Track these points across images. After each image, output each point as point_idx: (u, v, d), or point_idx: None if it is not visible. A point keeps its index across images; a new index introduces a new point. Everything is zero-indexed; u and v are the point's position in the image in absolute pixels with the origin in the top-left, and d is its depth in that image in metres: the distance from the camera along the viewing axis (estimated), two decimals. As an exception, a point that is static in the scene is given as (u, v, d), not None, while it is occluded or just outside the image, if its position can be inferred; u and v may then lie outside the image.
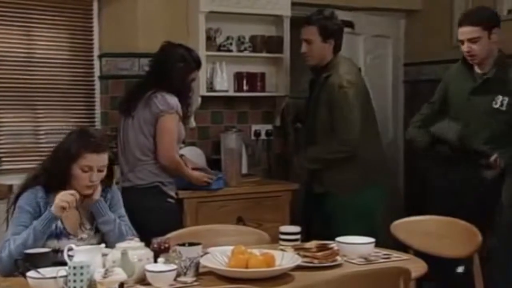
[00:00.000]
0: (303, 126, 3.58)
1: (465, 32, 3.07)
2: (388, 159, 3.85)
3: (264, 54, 3.96)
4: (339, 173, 3.22)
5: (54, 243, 2.20)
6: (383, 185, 3.36)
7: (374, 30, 4.50)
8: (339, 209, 3.23)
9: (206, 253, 2.18)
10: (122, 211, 2.44)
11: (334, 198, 3.26)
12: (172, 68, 3.13)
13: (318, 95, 3.27)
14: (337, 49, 3.33)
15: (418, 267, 2.18)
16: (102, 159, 2.29)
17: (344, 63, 3.30)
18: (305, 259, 2.15)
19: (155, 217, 2.95)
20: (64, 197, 2.18)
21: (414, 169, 4.62)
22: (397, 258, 2.32)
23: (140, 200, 3.00)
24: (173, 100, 3.08)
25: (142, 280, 1.99)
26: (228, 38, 3.89)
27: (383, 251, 2.38)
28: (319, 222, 3.34)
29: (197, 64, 3.25)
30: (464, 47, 3.10)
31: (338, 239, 2.35)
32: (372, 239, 2.35)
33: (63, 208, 2.17)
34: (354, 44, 4.29)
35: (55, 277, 1.85)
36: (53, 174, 2.29)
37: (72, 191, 2.22)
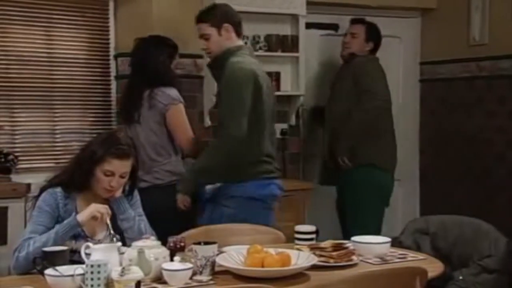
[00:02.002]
0: None
1: None
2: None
3: (279, 53, 3.96)
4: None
5: (72, 244, 2.22)
6: None
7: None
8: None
9: (222, 252, 2.19)
10: (141, 210, 2.46)
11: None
12: (155, 61, 3.14)
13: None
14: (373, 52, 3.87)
15: (434, 267, 2.17)
16: (125, 165, 2.30)
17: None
18: (321, 259, 2.14)
19: (173, 215, 2.95)
20: (99, 208, 2.20)
21: (430, 169, 4.62)
22: (413, 258, 2.31)
23: (160, 199, 2.99)
24: (173, 92, 3.10)
25: (159, 279, 2.00)
26: (243, 37, 3.88)
27: (399, 251, 2.37)
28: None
29: (175, 49, 3.26)
30: None
31: (354, 238, 2.34)
32: (388, 239, 2.34)
33: (95, 218, 2.18)
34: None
35: (72, 275, 1.87)
36: (76, 174, 2.30)
37: (106, 206, 2.24)
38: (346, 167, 3.64)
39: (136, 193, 2.47)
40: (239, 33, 2.91)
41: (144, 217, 2.43)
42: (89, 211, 2.19)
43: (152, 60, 3.13)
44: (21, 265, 2.12)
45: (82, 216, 2.19)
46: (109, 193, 2.31)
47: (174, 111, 3.08)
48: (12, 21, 3.49)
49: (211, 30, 2.86)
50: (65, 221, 2.20)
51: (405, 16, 4.59)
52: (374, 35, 3.84)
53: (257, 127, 2.77)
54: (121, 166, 2.29)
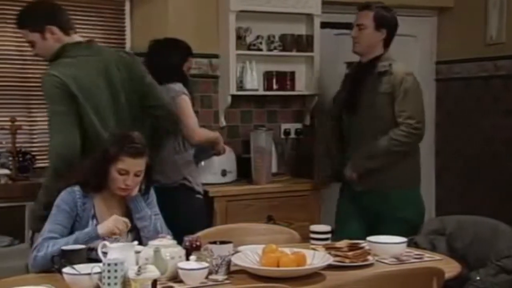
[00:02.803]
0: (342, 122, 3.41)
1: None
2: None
3: (294, 53, 3.96)
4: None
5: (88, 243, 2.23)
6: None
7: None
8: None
9: (237, 251, 2.19)
10: (157, 209, 2.47)
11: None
12: (165, 63, 3.14)
13: (373, 87, 3.20)
14: (387, 43, 3.29)
15: (451, 268, 2.16)
16: (138, 164, 2.32)
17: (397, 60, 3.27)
18: (336, 259, 2.14)
19: (184, 214, 2.96)
20: (118, 223, 2.21)
21: (445, 170, 4.59)
22: (430, 258, 2.30)
23: (168, 199, 2.99)
24: (177, 86, 3.10)
25: (174, 278, 2.01)
26: (258, 37, 3.90)
27: (415, 251, 2.36)
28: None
29: (188, 51, 3.26)
30: None
31: (370, 238, 2.33)
32: (404, 239, 2.33)
33: (113, 234, 2.20)
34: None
35: (89, 274, 1.89)
36: (92, 174, 2.33)
37: (126, 220, 2.25)
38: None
39: (152, 192, 2.48)
40: (67, 31, 2.66)
41: (160, 216, 2.45)
42: (108, 227, 2.20)
43: (163, 62, 3.14)
44: (39, 264, 2.15)
45: (102, 229, 2.20)
46: (125, 191, 2.33)
47: (178, 103, 3.04)
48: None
49: (33, 36, 2.63)
50: (86, 230, 2.23)
51: (421, 15, 4.56)
52: (385, 20, 3.25)
53: (96, 130, 2.55)
54: (135, 164, 2.30)
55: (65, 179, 2.38)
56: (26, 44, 3.51)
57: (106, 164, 2.30)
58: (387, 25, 3.26)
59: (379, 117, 3.17)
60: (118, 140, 2.35)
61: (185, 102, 3.10)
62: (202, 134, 3.20)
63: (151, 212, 2.39)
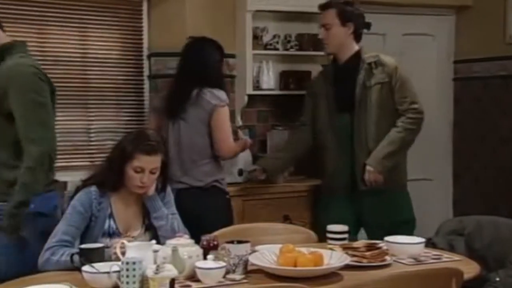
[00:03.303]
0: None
1: None
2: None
3: (310, 52, 3.95)
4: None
5: (107, 241, 2.25)
6: None
7: (412, 29, 4.41)
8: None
9: (254, 251, 2.20)
10: (174, 209, 2.48)
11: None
12: (210, 62, 3.12)
13: (366, 80, 3.14)
14: (357, 36, 3.21)
15: (470, 268, 2.14)
16: (154, 161, 2.33)
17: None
18: (354, 259, 2.14)
19: (215, 214, 2.94)
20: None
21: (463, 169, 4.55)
22: (448, 259, 2.28)
23: (200, 200, 2.99)
24: (221, 93, 3.07)
25: (192, 277, 2.01)
26: (274, 36, 3.90)
27: (433, 251, 2.34)
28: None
29: (223, 51, 3.23)
30: None
31: (387, 238, 2.32)
32: (422, 239, 2.31)
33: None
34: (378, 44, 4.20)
35: (108, 272, 1.90)
36: (108, 173, 2.35)
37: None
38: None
39: (169, 191, 2.49)
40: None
41: (177, 216, 2.46)
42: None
43: (207, 61, 3.12)
44: (50, 268, 2.15)
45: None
46: (142, 189, 2.34)
47: (221, 112, 3.03)
48: (49, 22, 3.55)
49: None
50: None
51: (439, 14, 4.53)
52: (349, 14, 3.15)
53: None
54: (150, 162, 2.31)
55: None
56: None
57: (122, 162, 2.31)
58: (352, 18, 3.18)
59: (380, 109, 3.11)
60: (133, 138, 2.37)
61: (226, 114, 3.06)
62: (234, 150, 3.14)
63: (168, 212, 2.41)
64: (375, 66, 3.16)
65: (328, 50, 3.27)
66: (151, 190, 2.37)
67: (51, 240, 2.22)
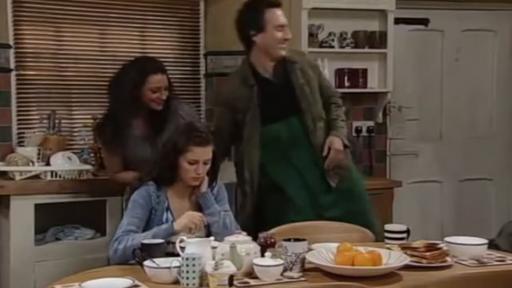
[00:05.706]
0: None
1: None
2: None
3: (366, 50, 3.91)
4: None
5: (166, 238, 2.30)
6: None
7: (471, 24, 4.31)
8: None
9: (311, 249, 2.19)
10: (227, 206, 2.51)
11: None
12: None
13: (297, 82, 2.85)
14: None
15: (535, 272, 2.07)
16: (207, 152, 2.38)
17: None
18: (413, 259, 2.10)
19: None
20: (193, 218, 2.28)
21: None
22: (512, 261, 2.21)
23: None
24: None
25: (249, 274, 2.03)
26: (330, 34, 3.88)
27: (497, 253, 2.28)
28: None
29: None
30: None
31: (447, 239, 2.27)
32: (484, 240, 2.25)
33: (190, 229, 2.26)
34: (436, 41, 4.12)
35: (169, 268, 1.94)
36: (163, 168, 2.40)
37: (201, 214, 2.32)
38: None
39: (223, 188, 2.52)
40: None
41: (230, 213, 2.48)
42: (184, 222, 2.27)
43: None
44: (119, 256, 2.24)
45: (179, 225, 2.27)
46: (197, 180, 2.39)
47: None
48: (110, 22, 3.66)
49: None
50: (163, 227, 2.29)
51: (500, 9, 4.39)
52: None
53: None
54: (203, 153, 2.36)
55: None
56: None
57: (176, 156, 2.36)
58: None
59: (318, 105, 2.89)
60: (184, 131, 2.41)
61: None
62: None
63: (220, 208, 2.43)
64: (292, 63, 2.87)
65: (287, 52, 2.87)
66: (204, 187, 2.41)
67: (117, 232, 2.30)
